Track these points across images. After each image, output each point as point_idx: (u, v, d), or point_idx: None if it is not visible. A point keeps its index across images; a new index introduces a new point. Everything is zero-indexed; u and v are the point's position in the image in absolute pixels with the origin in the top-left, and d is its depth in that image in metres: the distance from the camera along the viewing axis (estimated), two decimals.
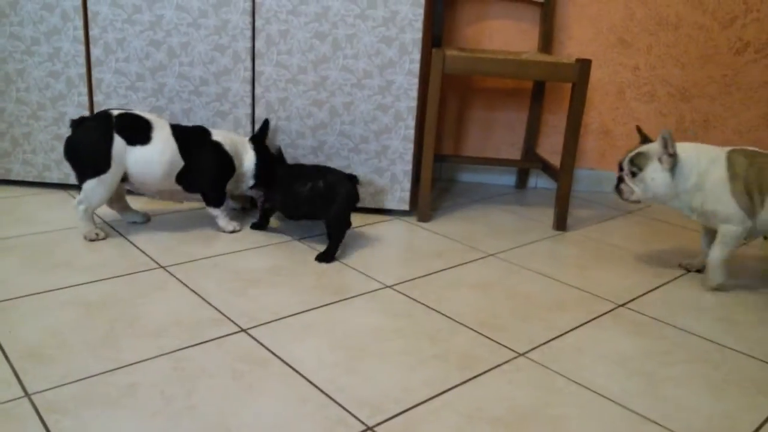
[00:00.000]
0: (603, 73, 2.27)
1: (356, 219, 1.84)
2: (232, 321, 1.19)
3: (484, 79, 2.31)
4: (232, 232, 1.67)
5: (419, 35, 1.73)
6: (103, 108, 1.82)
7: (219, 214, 1.66)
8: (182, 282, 1.35)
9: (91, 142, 1.48)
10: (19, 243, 1.50)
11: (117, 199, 1.64)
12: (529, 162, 2.21)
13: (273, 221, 1.76)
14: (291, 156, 1.84)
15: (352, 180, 1.56)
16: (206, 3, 1.72)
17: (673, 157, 1.41)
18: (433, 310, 1.30)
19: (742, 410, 1.03)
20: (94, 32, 1.76)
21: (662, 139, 1.40)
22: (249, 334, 1.15)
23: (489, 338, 1.20)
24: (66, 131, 1.84)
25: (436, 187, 2.30)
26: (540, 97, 2.24)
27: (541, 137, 2.35)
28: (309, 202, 1.55)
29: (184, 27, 1.75)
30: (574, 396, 1.03)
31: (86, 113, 1.83)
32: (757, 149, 1.44)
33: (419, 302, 1.33)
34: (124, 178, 1.54)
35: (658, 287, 1.51)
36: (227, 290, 1.32)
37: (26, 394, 0.94)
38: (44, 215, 1.68)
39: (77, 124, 1.50)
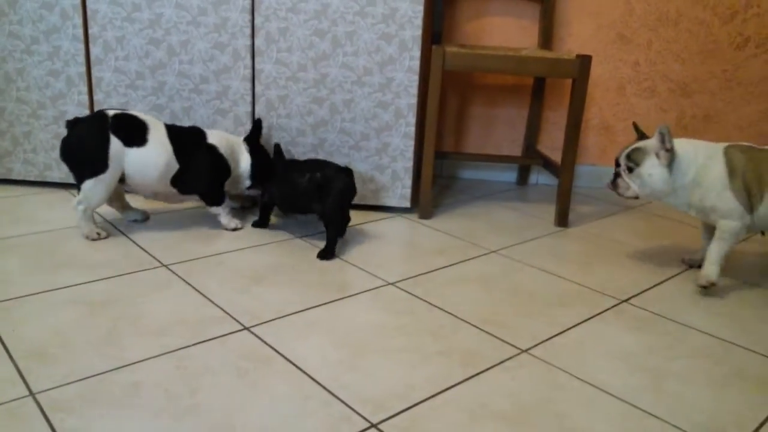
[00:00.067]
0: (603, 69, 2.27)
1: (357, 216, 1.84)
2: (235, 319, 1.20)
3: (485, 76, 2.30)
4: (234, 229, 1.67)
5: (419, 32, 1.73)
6: (103, 106, 1.82)
7: (221, 212, 1.66)
8: (185, 280, 1.35)
9: (88, 143, 1.48)
10: (21, 242, 1.50)
11: (116, 198, 1.64)
12: (530, 158, 2.21)
13: (274, 219, 1.76)
14: (292, 154, 1.84)
15: (347, 173, 1.56)
16: (205, 1, 1.72)
17: (671, 152, 1.40)
18: (436, 306, 1.30)
19: (745, 406, 1.03)
20: (93, 30, 1.76)
21: (659, 134, 1.40)
22: (252, 332, 1.15)
23: (491, 335, 1.20)
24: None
25: (437, 184, 2.30)
26: (540, 93, 2.24)
27: (542, 133, 2.35)
28: (304, 194, 1.55)
29: (184, 25, 1.74)
30: (577, 392, 1.03)
31: (86, 112, 1.83)
32: (752, 144, 1.44)
33: (421, 299, 1.34)
34: (121, 179, 1.54)
35: (660, 283, 1.51)
36: (230, 288, 1.33)
37: (31, 393, 0.94)
38: (46, 214, 1.68)
39: (72, 124, 1.50)
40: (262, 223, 1.71)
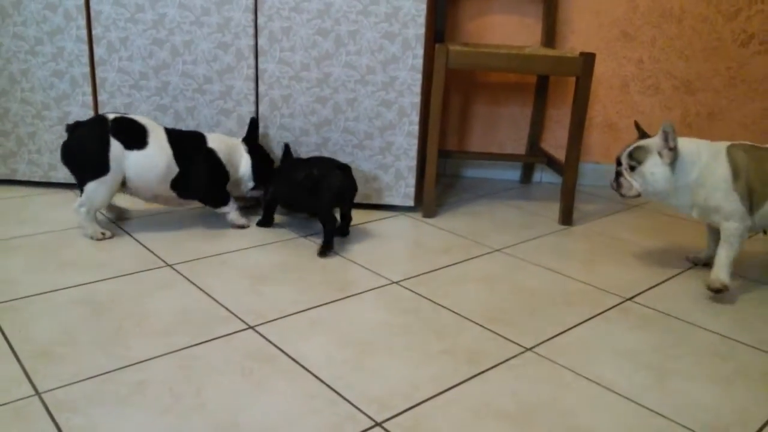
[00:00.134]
0: (607, 66, 2.26)
1: (361, 215, 1.84)
2: (240, 318, 1.20)
3: (488, 74, 2.30)
4: (241, 227, 1.68)
5: (422, 31, 1.73)
6: (107, 107, 1.82)
7: (228, 210, 1.66)
8: (189, 280, 1.35)
9: (88, 146, 1.49)
10: (26, 243, 1.50)
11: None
12: (533, 157, 2.21)
13: (278, 218, 1.76)
14: (296, 153, 1.84)
15: (344, 170, 1.57)
16: (209, 1, 1.72)
17: (674, 151, 1.38)
18: (440, 305, 1.31)
19: (751, 404, 1.03)
20: (97, 31, 1.77)
21: (663, 132, 1.38)
22: (257, 331, 1.15)
23: (496, 333, 1.20)
24: None
25: (440, 182, 2.30)
26: (544, 91, 2.24)
27: (546, 132, 2.35)
28: (302, 191, 1.57)
29: (187, 25, 1.75)
30: (581, 390, 1.03)
31: (91, 112, 1.84)
32: (754, 143, 1.42)
33: (426, 298, 1.34)
34: (122, 183, 1.54)
35: (665, 281, 1.51)
36: (234, 287, 1.33)
37: (37, 392, 0.94)
38: (51, 215, 1.68)
39: (72, 128, 1.51)
40: (266, 222, 1.71)
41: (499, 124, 2.35)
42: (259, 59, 1.77)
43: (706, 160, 1.39)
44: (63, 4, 1.75)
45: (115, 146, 1.50)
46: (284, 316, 1.22)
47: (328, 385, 1.00)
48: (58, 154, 1.87)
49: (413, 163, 1.84)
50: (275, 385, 0.99)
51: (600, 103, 2.31)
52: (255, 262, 1.46)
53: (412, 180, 1.86)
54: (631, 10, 2.20)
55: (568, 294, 1.40)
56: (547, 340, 1.19)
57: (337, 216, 1.66)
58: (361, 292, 1.34)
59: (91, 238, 1.54)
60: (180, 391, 0.96)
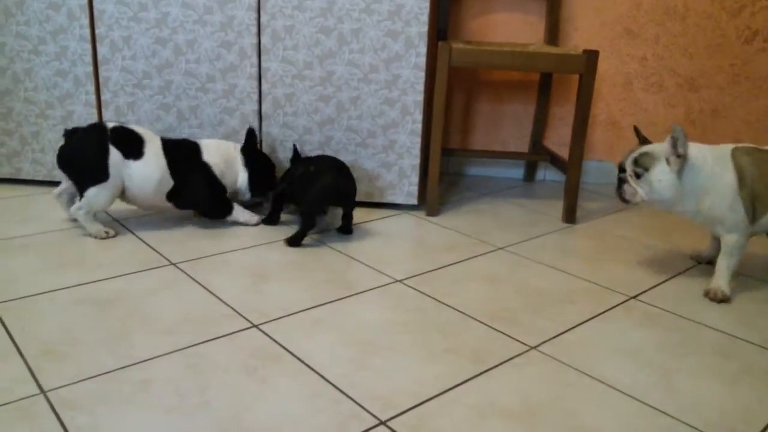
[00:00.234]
0: (610, 64, 2.26)
1: (364, 213, 1.84)
2: (244, 317, 1.20)
3: (491, 72, 2.30)
4: (257, 224, 1.69)
5: (425, 29, 1.72)
6: (110, 106, 1.82)
7: (235, 218, 1.67)
8: (193, 278, 1.35)
9: (87, 153, 1.50)
10: (30, 242, 1.50)
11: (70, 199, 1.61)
12: (537, 155, 2.20)
13: (284, 216, 1.76)
14: (301, 152, 1.84)
15: (339, 170, 1.58)
16: (211, 0, 1.72)
17: (683, 158, 1.32)
18: (444, 304, 1.30)
19: (756, 402, 1.02)
20: (100, 30, 1.77)
21: (672, 138, 1.31)
22: (261, 330, 1.15)
23: (500, 332, 1.20)
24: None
25: (443, 181, 2.30)
26: (547, 89, 2.23)
27: (549, 129, 2.34)
28: (299, 187, 1.59)
29: (190, 24, 1.75)
30: (586, 389, 1.03)
31: (94, 111, 1.84)
32: (756, 146, 1.39)
33: (429, 296, 1.33)
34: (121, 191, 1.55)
35: (669, 279, 1.50)
36: (238, 286, 1.33)
37: (42, 391, 0.94)
38: (54, 214, 1.69)
39: (70, 134, 1.51)
40: (272, 220, 1.71)
41: (503, 122, 2.35)
42: (262, 57, 1.77)
43: (712, 166, 1.34)
44: (66, 3, 1.75)
45: (115, 154, 1.50)
46: (288, 315, 1.22)
47: (332, 384, 1.00)
48: None
49: (416, 161, 1.84)
50: (279, 383, 1.00)
51: (603, 100, 2.30)
52: (259, 261, 1.47)
53: (415, 178, 1.86)
54: (635, 7, 2.19)
55: (572, 292, 1.40)
56: (552, 338, 1.19)
57: (338, 215, 1.67)
58: (364, 291, 1.34)
59: (95, 237, 1.54)
60: (184, 390, 0.96)
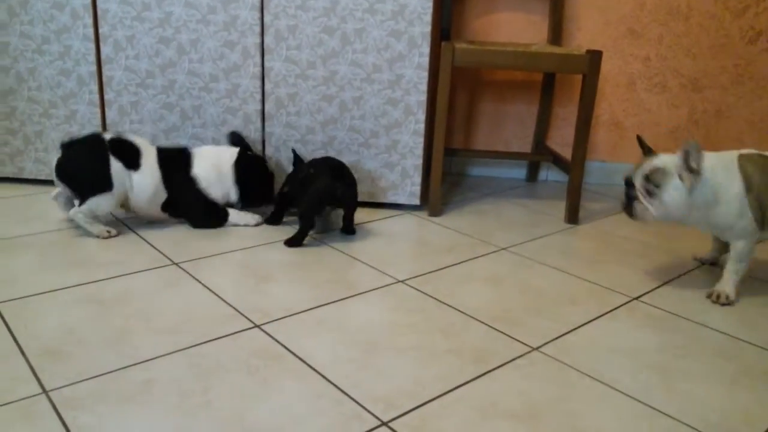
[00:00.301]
0: (613, 64, 2.25)
1: (367, 214, 1.84)
2: (246, 317, 1.20)
3: (494, 72, 2.30)
4: (258, 225, 1.69)
5: (428, 28, 1.72)
6: (113, 105, 1.83)
7: (234, 222, 1.68)
8: (195, 278, 1.35)
9: (88, 165, 1.51)
10: (32, 241, 1.51)
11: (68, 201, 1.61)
12: (539, 155, 2.20)
13: (287, 217, 1.76)
14: (302, 152, 1.84)
15: (339, 174, 1.58)
16: None
17: (697, 173, 1.27)
18: (446, 304, 1.30)
19: (757, 404, 1.02)
20: (103, 30, 1.77)
21: (684, 152, 1.26)
22: (263, 330, 1.15)
23: (502, 332, 1.20)
24: (78, 129, 1.85)
25: (446, 181, 2.29)
26: (550, 89, 2.23)
27: (552, 130, 2.34)
28: (300, 188, 1.60)
29: (194, 23, 1.75)
30: (588, 390, 1.03)
31: (97, 111, 1.84)
32: (761, 152, 1.37)
33: (432, 297, 1.33)
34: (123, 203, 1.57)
35: (671, 280, 1.50)
36: (240, 286, 1.33)
37: (44, 390, 0.94)
38: (57, 213, 1.69)
39: (68, 146, 1.52)
40: (275, 220, 1.71)
41: (505, 122, 2.34)
42: (266, 57, 1.77)
43: (720, 176, 1.31)
44: (70, 3, 1.75)
45: (116, 164, 1.52)
46: (290, 315, 1.22)
47: (334, 384, 1.00)
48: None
49: (419, 161, 1.84)
50: (282, 383, 1.00)
51: (606, 101, 2.30)
52: (261, 261, 1.47)
53: (417, 178, 1.86)
54: (638, 7, 2.19)
55: (574, 293, 1.39)
56: (554, 339, 1.19)
57: (340, 216, 1.66)
58: (366, 291, 1.34)
59: (97, 236, 1.54)
60: (186, 390, 0.96)
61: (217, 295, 1.28)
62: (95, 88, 1.82)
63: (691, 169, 1.27)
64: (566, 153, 2.27)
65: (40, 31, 1.78)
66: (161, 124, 1.84)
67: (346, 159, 1.84)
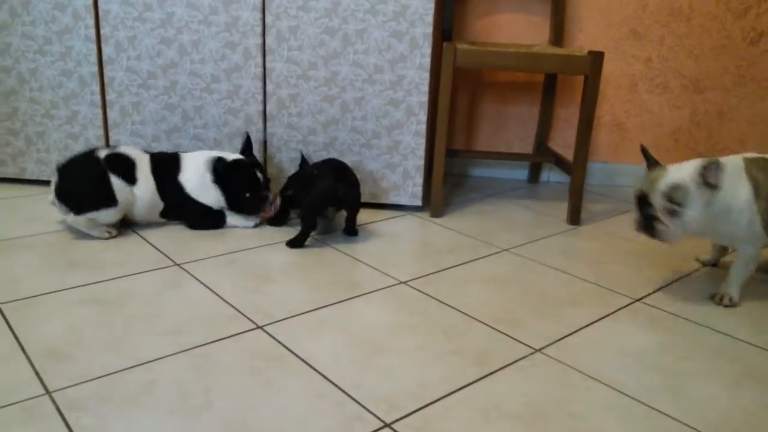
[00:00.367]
0: (615, 65, 2.25)
1: (368, 214, 1.84)
2: (248, 318, 1.20)
3: (495, 73, 2.29)
4: (256, 226, 1.69)
5: (430, 29, 1.72)
6: (115, 106, 1.83)
7: (233, 224, 1.68)
8: (197, 279, 1.35)
9: (89, 186, 1.52)
10: (34, 242, 1.51)
11: None
12: (541, 156, 2.20)
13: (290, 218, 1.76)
14: (302, 153, 1.84)
15: (342, 176, 1.58)
16: (216, 0, 1.72)
17: (715, 188, 1.24)
18: (448, 305, 1.30)
19: (760, 405, 1.02)
20: (105, 30, 1.77)
21: (703, 168, 1.22)
22: (265, 331, 1.15)
23: (504, 334, 1.20)
24: (79, 129, 1.85)
25: (448, 182, 2.29)
26: (552, 90, 2.23)
27: (553, 131, 2.34)
28: (300, 189, 1.61)
29: (195, 24, 1.75)
30: (591, 392, 1.03)
31: (99, 111, 1.84)
32: (763, 155, 1.35)
33: (434, 298, 1.33)
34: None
35: (674, 281, 1.50)
36: (242, 287, 1.33)
37: (47, 392, 0.94)
38: (59, 214, 1.69)
39: (64, 168, 1.52)
40: (278, 222, 1.71)
41: (507, 123, 2.34)
42: (267, 58, 1.77)
43: (729, 183, 1.28)
44: (72, 3, 1.75)
45: (117, 181, 1.53)
46: (292, 316, 1.22)
47: (336, 386, 1.00)
48: (66, 153, 1.87)
49: (421, 162, 1.84)
50: (284, 385, 0.99)
51: (608, 102, 2.30)
52: (263, 262, 1.47)
53: (419, 179, 1.86)
54: (640, 8, 2.18)
55: (576, 294, 1.39)
56: (556, 341, 1.18)
57: (343, 217, 1.66)
58: (368, 292, 1.34)
59: (98, 237, 1.54)
60: (189, 391, 0.96)
61: (219, 296, 1.28)
62: (97, 88, 1.82)
63: (709, 185, 1.25)
64: (568, 154, 2.27)
65: (42, 31, 1.78)
66: (163, 125, 1.84)
67: (347, 160, 1.83)
